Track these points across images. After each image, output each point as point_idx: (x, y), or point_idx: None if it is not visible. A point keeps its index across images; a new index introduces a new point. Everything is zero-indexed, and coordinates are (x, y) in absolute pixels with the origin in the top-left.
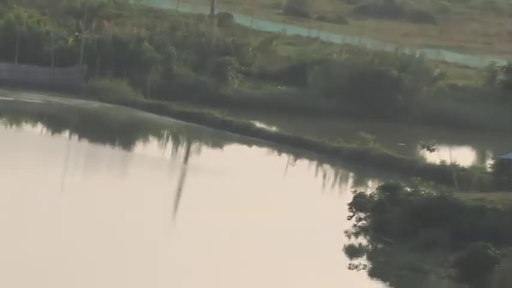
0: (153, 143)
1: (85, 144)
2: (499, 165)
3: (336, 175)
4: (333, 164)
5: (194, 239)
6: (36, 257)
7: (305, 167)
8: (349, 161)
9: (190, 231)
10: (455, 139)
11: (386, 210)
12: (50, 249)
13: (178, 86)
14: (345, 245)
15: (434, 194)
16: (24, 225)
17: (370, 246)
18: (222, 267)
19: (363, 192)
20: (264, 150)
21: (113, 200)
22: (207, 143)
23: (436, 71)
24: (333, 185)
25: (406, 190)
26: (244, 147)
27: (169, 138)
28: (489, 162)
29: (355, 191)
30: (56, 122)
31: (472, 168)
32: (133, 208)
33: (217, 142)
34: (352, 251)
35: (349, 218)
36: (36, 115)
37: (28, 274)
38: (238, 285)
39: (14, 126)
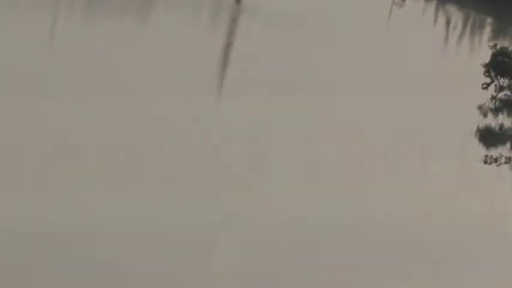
0: None
1: None
2: None
3: (465, 21)
4: (460, 5)
5: (249, 118)
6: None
7: (418, 8)
8: None
9: (245, 106)
10: None
11: None
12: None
13: None
14: (478, 128)
15: None
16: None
17: None
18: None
19: (507, 48)
20: None
21: (127, 58)
22: None
23: None
24: (460, 37)
25: None
26: None
27: None
28: None
29: (494, 46)
30: None
31: None
32: (160, 70)
33: None
34: (489, 137)
35: (485, 86)
36: None
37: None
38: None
39: None
